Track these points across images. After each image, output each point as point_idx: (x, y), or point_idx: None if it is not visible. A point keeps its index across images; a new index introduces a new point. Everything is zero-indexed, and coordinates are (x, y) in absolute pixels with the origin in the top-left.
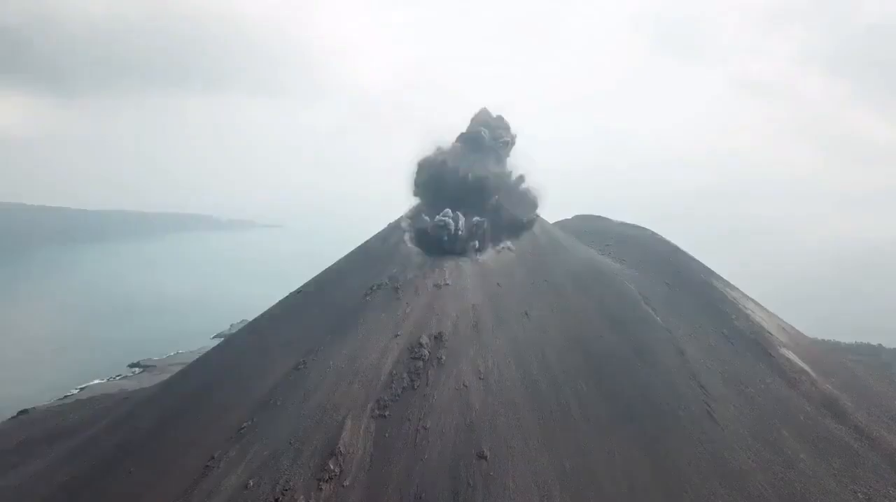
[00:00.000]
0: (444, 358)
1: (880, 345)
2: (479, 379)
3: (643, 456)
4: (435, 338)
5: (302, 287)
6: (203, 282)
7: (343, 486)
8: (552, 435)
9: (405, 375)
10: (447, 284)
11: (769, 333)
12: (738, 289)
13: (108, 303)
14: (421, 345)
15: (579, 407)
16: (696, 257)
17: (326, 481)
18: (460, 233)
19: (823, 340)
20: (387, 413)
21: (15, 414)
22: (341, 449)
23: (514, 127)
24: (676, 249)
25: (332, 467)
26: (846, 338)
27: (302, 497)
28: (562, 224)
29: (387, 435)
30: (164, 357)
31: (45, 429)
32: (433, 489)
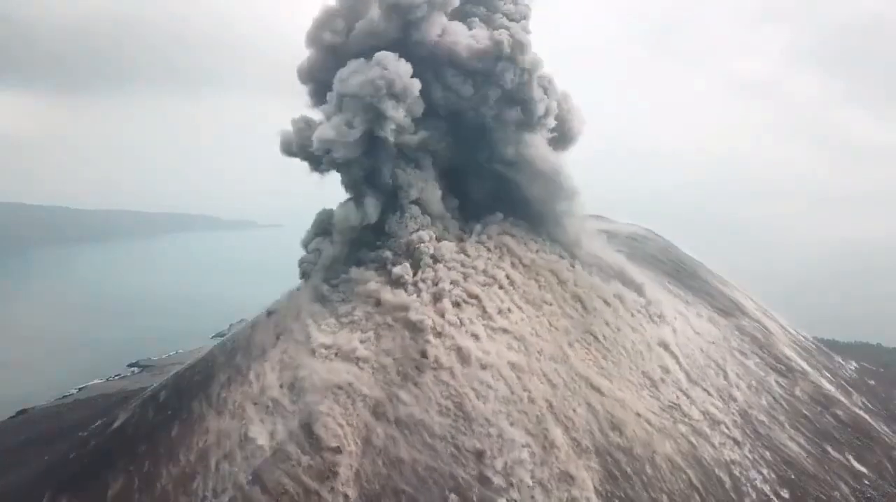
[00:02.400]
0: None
1: (879, 344)
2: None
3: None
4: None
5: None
6: (203, 282)
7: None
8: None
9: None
10: None
11: (768, 331)
12: (736, 287)
13: (108, 302)
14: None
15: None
16: (695, 257)
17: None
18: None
19: (822, 339)
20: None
21: (14, 414)
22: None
23: None
24: (675, 248)
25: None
26: (845, 337)
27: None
28: None
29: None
30: (163, 357)
31: (43, 429)
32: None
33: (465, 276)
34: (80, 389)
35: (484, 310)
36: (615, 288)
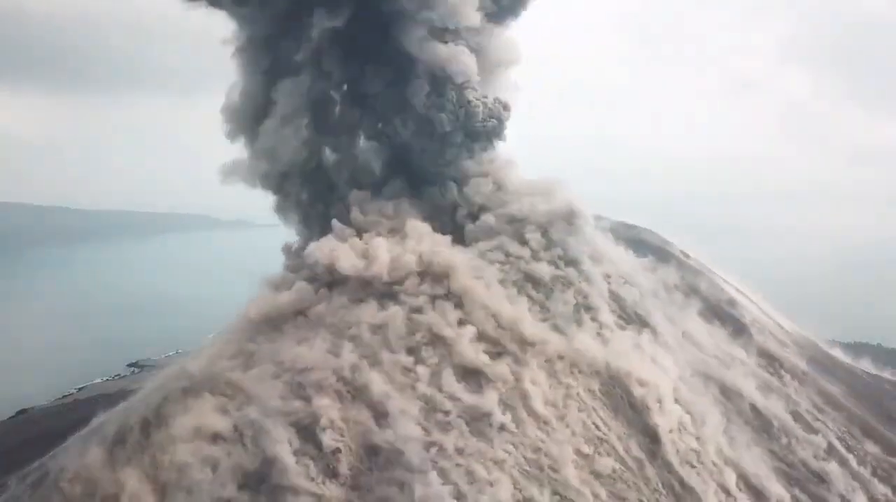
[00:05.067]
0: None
1: (879, 344)
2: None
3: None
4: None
5: None
6: (202, 281)
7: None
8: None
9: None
10: None
11: (768, 331)
12: (734, 285)
13: (108, 302)
14: None
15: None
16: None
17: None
18: None
19: (823, 339)
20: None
21: (14, 413)
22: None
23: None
24: (673, 246)
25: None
26: (845, 338)
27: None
28: None
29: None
30: (163, 357)
31: (44, 429)
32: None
33: None
34: (79, 389)
35: None
36: None
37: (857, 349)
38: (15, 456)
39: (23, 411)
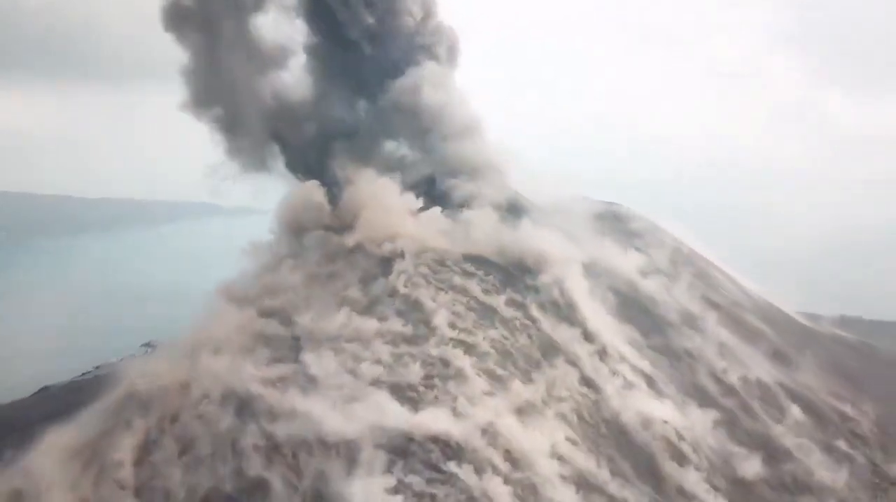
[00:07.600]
0: None
1: (860, 317)
2: None
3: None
4: None
5: None
6: (211, 268)
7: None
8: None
9: None
10: None
11: (749, 311)
12: (721, 268)
13: (121, 289)
14: None
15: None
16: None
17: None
18: None
19: (806, 314)
20: None
21: (37, 390)
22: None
23: None
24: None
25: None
26: (829, 311)
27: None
28: None
29: None
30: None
31: (64, 404)
32: None
33: None
34: (96, 368)
35: None
36: None
37: (838, 322)
38: (38, 429)
39: (45, 388)
